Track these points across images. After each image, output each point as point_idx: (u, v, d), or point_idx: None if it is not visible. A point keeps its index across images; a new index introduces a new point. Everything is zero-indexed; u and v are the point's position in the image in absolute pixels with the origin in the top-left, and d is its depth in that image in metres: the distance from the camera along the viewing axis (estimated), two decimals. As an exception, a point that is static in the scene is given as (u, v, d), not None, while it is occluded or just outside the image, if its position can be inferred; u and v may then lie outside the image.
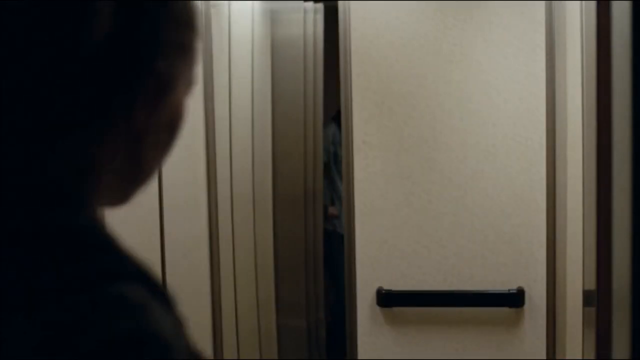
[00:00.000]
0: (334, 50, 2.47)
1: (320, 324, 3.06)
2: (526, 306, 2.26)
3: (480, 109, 2.28)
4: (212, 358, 2.38)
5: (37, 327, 0.45)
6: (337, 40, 2.42)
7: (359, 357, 2.41)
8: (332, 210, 3.69)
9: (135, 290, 0.52)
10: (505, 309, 2.25)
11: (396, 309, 2.38)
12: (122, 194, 0.70)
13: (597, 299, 0.74)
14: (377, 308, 2.38)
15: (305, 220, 3.04)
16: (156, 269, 2.10)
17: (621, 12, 0.69)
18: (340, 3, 2.36)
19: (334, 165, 3.65)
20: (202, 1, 2.35)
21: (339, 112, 2.60)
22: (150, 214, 2.07)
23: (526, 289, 2.25)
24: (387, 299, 2.37)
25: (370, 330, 2.40)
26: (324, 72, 2.93)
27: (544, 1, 2.22)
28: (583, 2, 1.98)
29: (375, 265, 2.37)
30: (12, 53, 0.48)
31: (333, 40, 2.47)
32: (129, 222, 1.97)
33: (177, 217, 2.21)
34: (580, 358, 2.02)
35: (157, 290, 0.57)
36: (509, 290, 2.25)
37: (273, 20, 3.00)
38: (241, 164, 2.72)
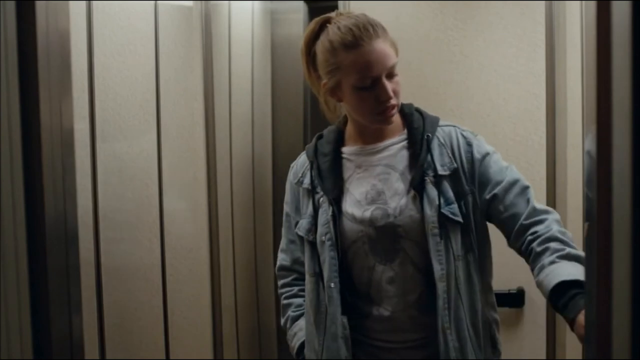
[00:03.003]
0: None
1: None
2: (526, 306, 2.26)
3: (480, 109, 2.28)
4: (212, 358, 2.37)
5: None
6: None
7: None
8: None
9: None
10: (505, 309, 2.25)
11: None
12: None
13: (597, 298, 0.74)
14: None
15: (305, 220, 3.03)
16: (156, 269, 2.10)
17: (621, 12, 0.69)
18: (340, 3, 2.36)
19: None
20: (202, 1, 2.35)
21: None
22: (150, 214, 2.07)
23: (526, 289, 2.25)
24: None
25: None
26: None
27: (544, 1, 2.22)
28: (583, 2, 1.98)
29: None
30: None
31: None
32: (129, 222, 1.97)
33: (177, 217, 2.21)
34: (580, 358, 2.01)
35: None
36: (509, 290, 2.25)
37: (273, 20, 3.00)
38: (241, 164, 2.72)
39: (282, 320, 1.70)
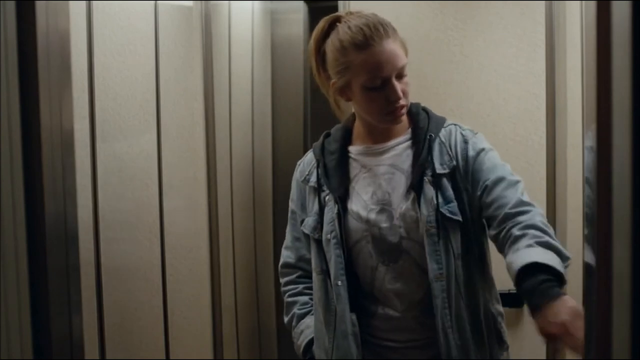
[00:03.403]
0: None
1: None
2: (526, 306, 2.25)
3: (480, 109, 2.28)
4: (212, 358, 2.37)
5: None
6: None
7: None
8: None
9: None
10: (505, 309, 2.24)
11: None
12: None
13: (597, 298, 0.74)
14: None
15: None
16: (156, 269, 2.10)
17: (621, 12, 0.69)
18: (340, 3, 2.36)
19: None
20: (202, 1, 2.35)
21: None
22: (150, 214, 2.07)
23: (526, 289, 2.24)
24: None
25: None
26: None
27: (544, 1, 2.22)
28: (583, 2, 1.98)
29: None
30: None
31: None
32: (129, 222, 1.97)
33: (177, 217, 2.21)
34: (580, 358, 2.01)
35: None
36: (509, 290, 2.24)
37: (273, 20, 3.00)
38: (241, 164, 2.72)
39: (286, 318, 1.68)
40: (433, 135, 1.49)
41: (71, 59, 0.97)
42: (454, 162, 1.47)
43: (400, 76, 1.44)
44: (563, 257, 1.33)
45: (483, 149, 1.49)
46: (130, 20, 1.97)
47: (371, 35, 1.41)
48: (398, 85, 1.42)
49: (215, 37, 2.40)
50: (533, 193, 2.20)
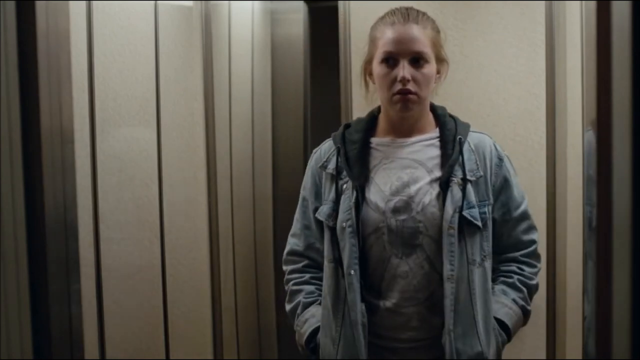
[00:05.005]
0: (335, 50, 2.46)
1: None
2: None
3: (480, 109, 2.28)
4: (212, 358, 2.38)
5: None
6: (336, 40, 2.41)
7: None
8: None
9: None
10: (505, 309, 2.25)
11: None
12: None
13: (597, 298, 0.74)
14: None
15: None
16: (156, 269, 2.10)
17: (621, 12, 0.69)
18: (340, 3, 2.36)
19: None
20: (202, 1, 2.35)
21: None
22: (150, 214, 2.07)
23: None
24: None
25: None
26: (324, 72, 2.93)
27: (544, 1, 2.22)
28: (583, 2, 1.98)
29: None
30: None
31: (330, 40, 2.46)
32: (129, 223, 1.98)
33: (177, 217, 2.21)
34: (580, 358, 2.01)
35: None
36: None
37: (273, 20, 3.00)
38: (241, 164, 2.72)
39: (289, 306, 1.66)
40: (463, 139, 1.52)
41: (71, 59, 0.97)
42: (480, 173, 1.53)
43: (416, 62, 1.49)
44: (526, 314, 1.60)
45: (512, 174, 1.61)
46: (130, 20, 1.97)
47: (400, 15, 1.53)
48: (409, 69, 1.46)
49: (215, 37, 2.40)
50: (533, 193, 2.20)
